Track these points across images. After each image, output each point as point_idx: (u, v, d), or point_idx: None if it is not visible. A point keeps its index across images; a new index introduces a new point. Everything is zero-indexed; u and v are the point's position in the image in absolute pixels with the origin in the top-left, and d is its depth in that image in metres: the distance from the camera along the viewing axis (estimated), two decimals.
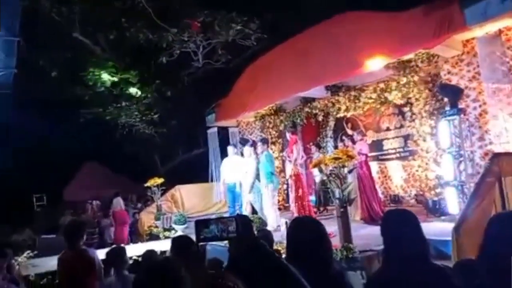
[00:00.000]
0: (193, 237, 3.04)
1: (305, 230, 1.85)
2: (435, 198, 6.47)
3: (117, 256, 3.37)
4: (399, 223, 1.79)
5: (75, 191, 14.01)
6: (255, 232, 2.86)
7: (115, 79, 11.54)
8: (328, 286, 1.66)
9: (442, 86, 6.12)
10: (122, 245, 7.50)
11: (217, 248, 4.34)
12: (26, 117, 11.33)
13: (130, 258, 5.36)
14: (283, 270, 1.46)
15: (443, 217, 5.89)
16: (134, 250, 6.04)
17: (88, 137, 13.54)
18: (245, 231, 1.65)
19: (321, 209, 8.68)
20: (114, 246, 3.93)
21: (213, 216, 8.18)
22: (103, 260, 3.48)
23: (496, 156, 4.24)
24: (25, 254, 5.75)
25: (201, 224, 1.66)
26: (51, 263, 3.70)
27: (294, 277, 1.44)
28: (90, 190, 13.23)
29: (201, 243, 1.69)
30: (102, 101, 12.13)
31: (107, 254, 3.46)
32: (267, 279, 1.46)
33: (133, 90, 11.66)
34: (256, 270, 1.47)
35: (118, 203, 9.38)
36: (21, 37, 6.07)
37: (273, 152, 8.96)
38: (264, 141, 7.34)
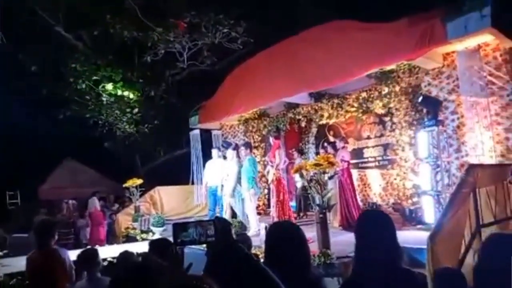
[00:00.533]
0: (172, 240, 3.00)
1: (284, 235, 1.85)
2: (412, 207, 6.61)
3: (89, 258, 3.28)
4: (375, 225, 1.80)
5: (51, 189, 13.63)
6: (234, 236, 2.85)
7: (98, 78, 11.34)
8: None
9: (424, 98, 6.27)
10: (97, 246, 7.35)
11: (196, 252, 4.29)
12: (2, 112, 10.99)
13: (105, 260, 5.27)
14: (261, 274, 1.46)
15: (419, 226, 6.00)
16: (110, 252, 5.93)
17: (67, 134, 13.21)
18: (223, 234, 1.63)
19: (301, 214, 8.72)
20: (86, 248, 3.82)
21: (192, 219, 8.11)
22: (74, 262, 3.38)
23: (472, 167, 4.34)
24: None
25: (179, 227, 1.64)
26: (22, 263, 3.58)
27: (272, 281, 1.43)
28: (67, 188, 12.91)
29: (179, 247, 1.65)
30: (82, 98, 11.89)
31: (79, 256, 3.36)
32: (245, 282, 1.45)
33: (109, 87, 11.42)
34: (234, 273, 1.46)
35: (94, 203, 9.19)
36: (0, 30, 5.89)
37: (256, 157, 8.97)
38: (247, 145, 7.34)
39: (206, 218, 7.51)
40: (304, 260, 1.80)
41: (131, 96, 11.99)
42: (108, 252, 5.99)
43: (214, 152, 8.03)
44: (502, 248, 1.57)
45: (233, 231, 1.90)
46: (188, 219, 8.49)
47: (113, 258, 5.20)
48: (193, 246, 2.01)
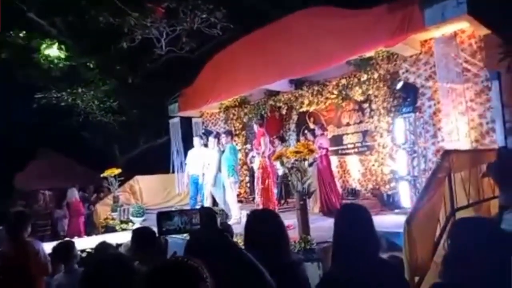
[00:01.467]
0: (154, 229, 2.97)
1: (262, 222, 1.88)
2: (389, 192, 6.73)
3: (64, 251, 3.21)
4: (354, 219, 1.80)
5: (28, 179, 13.24)
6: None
7: (62, 55, 10.92)
8: (284, 274, 1.67)
9: (404, 84, 6.33)
10: (76, 238, 7.26)
11: (177, 242, 4.27)
12: None
13: (84, 251, 5.19)
14: (246, 261, 1.46)
15: (396, 210, 6.14)
16: (88, 243, 5.85)
17: (42, 123, 12.80)
18: (208, 222, 1.61)
19: (282, 201, 8.78)
20: (61, 240, 3.73)
21: (173, 209, 8.07)
22: (50, 255, 3.30)
23: (447, 153, 4.44)
24: None
25: (164, 216, 1.61)
26: None
27: (257, 268, 1.43)
28: (45, 179, 12.56)
29: (163, 236, 1.63)
30: (56, 85, 11.50)
31: (54, 249, 3.29)
32: (230, 269, 1.45)
33: (86, 72, 11.04)
34: (219, 261, 1.46)
35: (73, 194, 9.01)
36: None
37: (237, 144, 8.94)
38: (228, 133, 7.28)
39: (188, 207, 7.49)
40: (282, 244, 1.83)
41: (108, 83, 11.66)
42: (87, 243, 5.92)
43: (196, 140, 7.94)
44: (469, 232, 1.60)
45: (218, 220, 1.89)
46: (169, 209, 8.45)
47: (92, 249, 5.14)
48: (174, 236, 1.97)
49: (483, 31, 5.55)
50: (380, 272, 1.65)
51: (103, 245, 3.48)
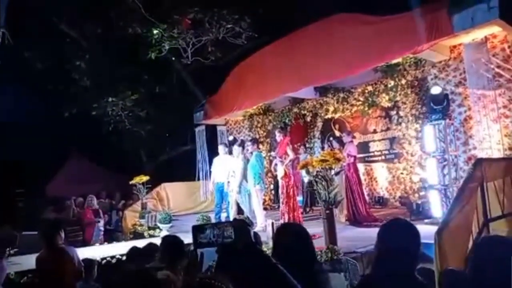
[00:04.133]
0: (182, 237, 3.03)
1: (291, 235, 1.92)
2: (419, 201, 6.57)
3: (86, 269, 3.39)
4: (405, 236, 1.76)
5: (59, 186, 13.72)
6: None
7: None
8: (311, 282, 1.69)
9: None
10: (97, 245, 7.39)
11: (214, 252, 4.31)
12: (8, 110, 11.04)
13: (114, 257, 5.30)
14: (280, 275, 1.47)
15: (426, 220, 5.97)
16: (117, 250, 5.89)
17: (73, 132, 13.27)
18: (242, 235, 1.64)
19: (307, 209, 8.72)
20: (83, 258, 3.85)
21: (199, 216, 8.15)
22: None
23: (479, 161, 4.28)
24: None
25: (197, 229, 1.64)
26: (32, 261, 3.62)
27: (291, 281, 1.44)
28: (75, 185, 12.97)
29: (199, 249, 1.67)
30: (88, 95, 11.93)
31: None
32: (264, 282, 1.47)
33: (115, 83, 11.32)
34: (252, 273, 1.49)
35: (89, 202, 9.14)
36: (6, 27, 5.91)
37: (262, 152, 8.96)
38: (254, 141, 7.32)
39: (213, 215, 7.53)
40: (309, 257, 1.87)
41: (136, 93, 11.99)
42: (116, 250, 6.01)
43: (221, 148, 8.02)
44: (494, 251, 1.56)
45: (251, 232, 1.92)
46: (195, 215, 8.54)
47: (122, 255, 5.24)
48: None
49: None
50: None
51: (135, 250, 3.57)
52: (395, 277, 1.64)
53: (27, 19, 10.59)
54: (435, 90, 5.96)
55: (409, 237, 1.76)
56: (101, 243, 7.79)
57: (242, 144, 7.40)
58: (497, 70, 5.63)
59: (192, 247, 1.77)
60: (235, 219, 6.40)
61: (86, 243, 7.89)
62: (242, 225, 1.71)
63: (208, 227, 1.61)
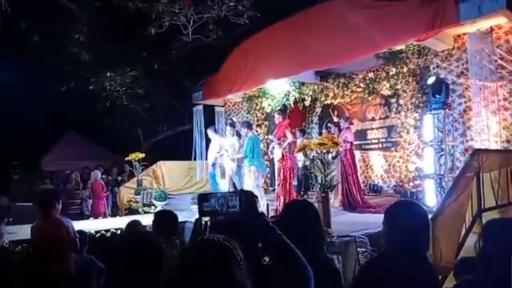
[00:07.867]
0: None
1: (303, 212, 1.91)
2: (413, 190, 6.62)
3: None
4: (416, 218, 1.76)
5: (54, 160, 13.71)
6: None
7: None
8: (320, 266, 1.67)
9: (435, 80, 6.12)
10: (99, 218, 7.53)
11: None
12: (4, 85, 10.87)
13: (108, 230, 5.38)
14: (288, 246, 1.45)
15: None
16: (112, 223, 6.08)
17: (70, 106, 13.13)
18: (249, 205, 1.61)
19: (301, 193, 8.76)
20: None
21: (194, 195, 8.18)
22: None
23: (477, 152, 4.32)
24: None
25: (201, 198, 1.63)
26: (26, 231, 3.62)
27: (297, 253, 1.43)
28: (70, 160, 12.96)
29: (202, 217, 1.66)
30: (85, 70, 11.76)
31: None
32: (272, 253, 1.46)
33: (114, 58, 11.16)
34: (258, 243, 1.48)
35: (95, 175, 9.22)
36: None
37: (259, 135, 8.93)
38: (246, 124, 7.27)
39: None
40: (319, 238, 1.88)
41: (134, 69, 11.83)
42: (111, 223, 6.14)
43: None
44: (506, 233, 1.58)
45: (258, 204, 1.89)
46: (190, 195, 8.57)
47: (116, 229, 5.33)
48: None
49: None
50: (424, 274, 1.65)
51: (134, 223, 3.61)
52: (407, 257, 1.65)
53: None
54: (435, 80, 5.95)
55: (419, 217, 1.76)
56: (104, 216, 7.93)
57: (234, 125, 7.39)
58: (500, 61, 5.60)
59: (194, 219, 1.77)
60: (241, 189, 6.41)
61: (98, 215, 8.03)
62: (249, 195, 1.69)
63: (212, 196, 1.59)
